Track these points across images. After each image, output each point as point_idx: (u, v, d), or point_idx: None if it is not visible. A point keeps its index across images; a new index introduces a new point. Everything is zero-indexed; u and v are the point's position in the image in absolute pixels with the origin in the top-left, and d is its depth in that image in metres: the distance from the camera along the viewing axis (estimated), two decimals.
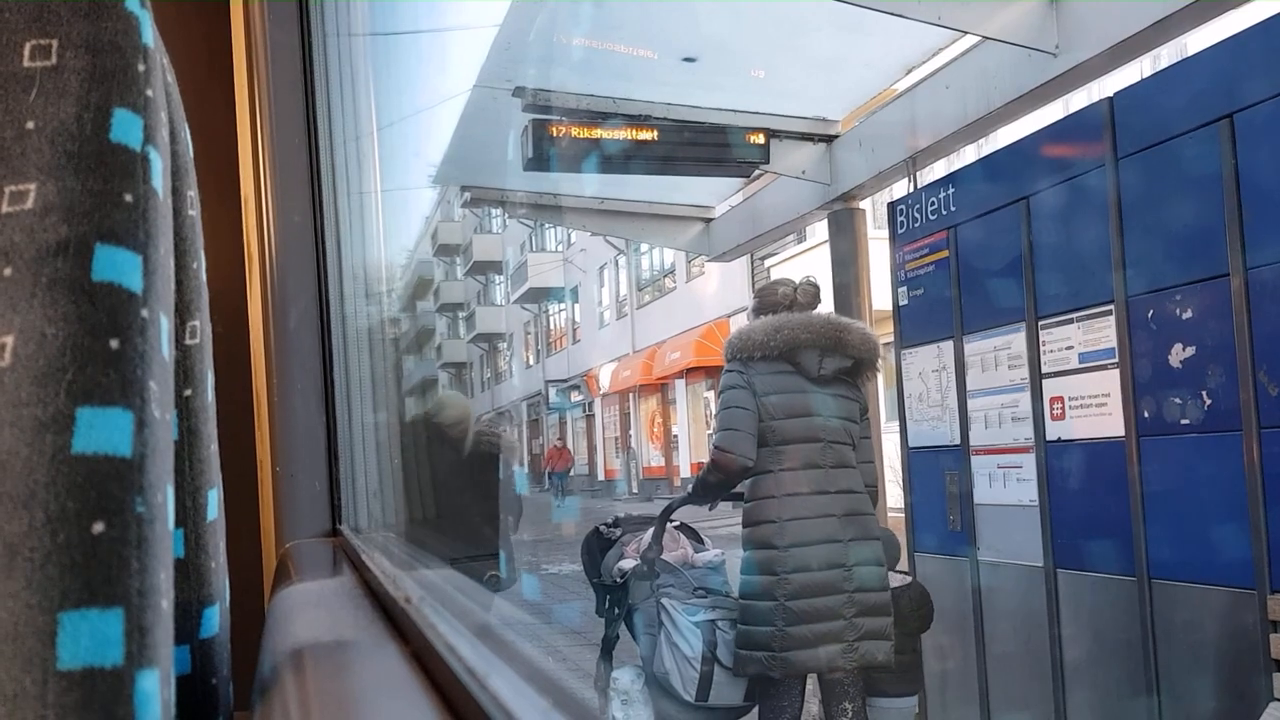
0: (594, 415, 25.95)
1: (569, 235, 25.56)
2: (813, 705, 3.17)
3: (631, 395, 23.12)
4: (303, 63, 1.28)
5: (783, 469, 2.99)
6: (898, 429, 4.35)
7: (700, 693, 2.99)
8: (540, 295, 28.22)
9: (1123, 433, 3.16)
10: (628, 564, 3.22)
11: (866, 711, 3.11)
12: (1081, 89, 4.28)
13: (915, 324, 4.22)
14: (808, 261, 12.60)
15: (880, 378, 3.49)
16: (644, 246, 20.93)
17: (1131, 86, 3.29)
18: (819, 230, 10.26)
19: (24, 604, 0.36)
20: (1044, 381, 3.52)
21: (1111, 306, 3.20)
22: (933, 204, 4.09)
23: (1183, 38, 3.72)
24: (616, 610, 3.26)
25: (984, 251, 3.84)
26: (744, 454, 2.98)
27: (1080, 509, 3.41)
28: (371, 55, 1.65)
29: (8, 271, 0.41)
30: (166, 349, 0.43)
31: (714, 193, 6.75)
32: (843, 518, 2.98)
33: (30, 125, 0.43)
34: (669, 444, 21.58)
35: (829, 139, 5.44)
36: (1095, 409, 3.30)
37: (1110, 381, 3.22)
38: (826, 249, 6.08)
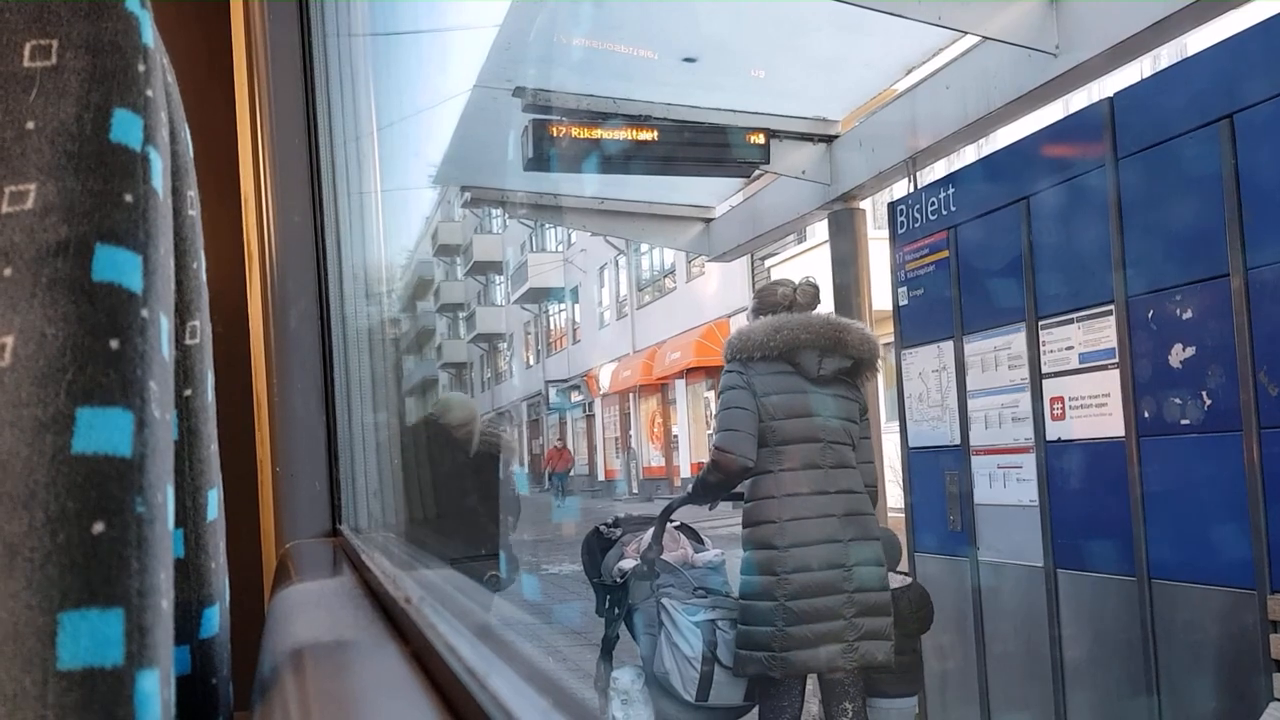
0: (594, 415, 25.94)
1: (569, 235, 25.54)
2: (813, 705, 3.17)
3: (631, 395, 23.11)
4: (303, 63, 1.28)
5: (783, 469, 2.99)
6: (898, 429, 4.34)
7: (700, 693, 2.99)
8: (540, 295, 28.20)
9: (1123, 433, 3.16)
10: (628, 564, 3.22)
11: (866, 712, 3.11)
12: (1081, 89, 4.28)
13: (915, 324, 4.22)
14: (808, 262, 12.58)
15: (880, 378, 3.49)
16: (644, 247, 20.92)
17: (1131, 87, 3.29)
18: (819, 230, 10.26)
19: (24, 604, 0.36)
20: (1044, 382, 3.51)
21: (1111, 307, 3.20)
22: (933, 204, 4.09)
23: (1183, 38, 3.72)
24: (616, 610, 3.26)
25: (984, 252, 3.84)
26: (744, 454, 2.98)
27: (1080, 509, 3.41)
28: (371, 55, 1.65)
29: (8, 272, 0.41)
30: (166, 349, 0.43)
31: (714, 193, 6.74)
32: (843, 518, 2.98)
33: (30, 125, 0.43)
34: (669, 444, 21.56)
35: (829, 139, 5.44)
36: (1095, 409, 3.30)
37: (1110, 382, 3.22)
38: (826, 249, 6.08)
